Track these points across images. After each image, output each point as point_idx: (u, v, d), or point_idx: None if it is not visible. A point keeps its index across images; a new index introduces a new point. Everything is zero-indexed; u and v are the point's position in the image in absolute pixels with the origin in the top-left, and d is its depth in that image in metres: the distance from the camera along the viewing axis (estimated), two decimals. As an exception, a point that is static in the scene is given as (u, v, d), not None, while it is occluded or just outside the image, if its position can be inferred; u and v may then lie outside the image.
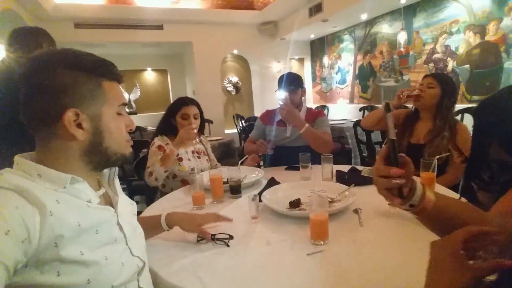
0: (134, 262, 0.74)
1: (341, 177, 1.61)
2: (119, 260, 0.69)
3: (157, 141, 1.84)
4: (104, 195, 0.76)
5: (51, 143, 0.66)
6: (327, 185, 1.46)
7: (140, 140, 3.87)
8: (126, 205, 0.81)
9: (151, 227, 1.02)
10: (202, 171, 1.92)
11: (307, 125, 1.86)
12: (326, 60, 6.76)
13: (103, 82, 0.68)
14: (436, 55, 4.28)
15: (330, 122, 4.66)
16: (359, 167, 1.79)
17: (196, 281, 0.83)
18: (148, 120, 6.74)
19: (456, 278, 0.43)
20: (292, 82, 2.07)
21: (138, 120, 6.60)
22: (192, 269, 0.88)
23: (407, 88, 1.88)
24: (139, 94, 7.03)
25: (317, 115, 2.12)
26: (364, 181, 1.52)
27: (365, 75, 5.66)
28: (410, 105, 1.94)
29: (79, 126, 0.65)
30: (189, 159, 1.90)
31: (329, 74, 6.74)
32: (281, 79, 2.11)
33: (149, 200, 2.11)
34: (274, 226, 1.14)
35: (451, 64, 4.08)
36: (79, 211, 0.63)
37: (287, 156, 2.06)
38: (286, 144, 2.10)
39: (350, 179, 1.55)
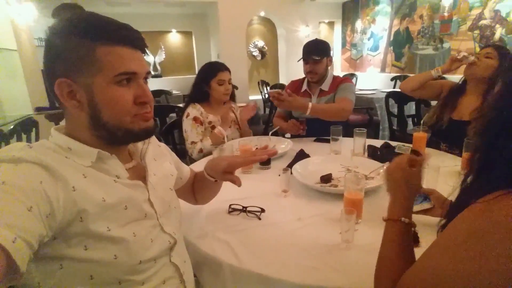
0: (165, 239, 0.73)
1: (373, 153, 1.56)
2: (148, 237, 0.68)
3: (191, 111, 1.84)
4: (137, 168, 0.75)
5: (67, 115, 0.65)
6: (359, 161, 1.42)
7: (167, 105, 3.92)
8: (162, 179, 0.80)
9: (202, 178, 0.98)
10: (232, 139, 1.93)
11: (310, 105, 1.76)
12: (358, 24, 6.37)
13: (97, 47, 0.59)
14: (483, 21, 3.91)
15: (358, 92, 4.51)
16: (393, 143, 1.71)
17: (230, 252, 0.85)
18: (173, 83, 6.75)
19: (404, 179, 0.70)
20: (317, 51, 1.94)
21: (163, 83, 6.64)
22: (225, 241, 0.90)
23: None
24: (164, 56, 6.99)
25: (340, 82, 2.01)
26: (398, 158, 1.46)
27: (400, 42, 5.31)
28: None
29: (73, 97, 0.61)
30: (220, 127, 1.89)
31: (361, 40, 6.38)
32: (305, 48, 1.98)
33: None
34: (305, 201, 1.13)
35: (499, 32, 3.73)
36: (105, 186, 0.62)
37: (313, 128, 2.01)
38: (309, 116, 2.04)
39: (383, 155, 1.50)
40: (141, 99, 0.64)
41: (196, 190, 1.05)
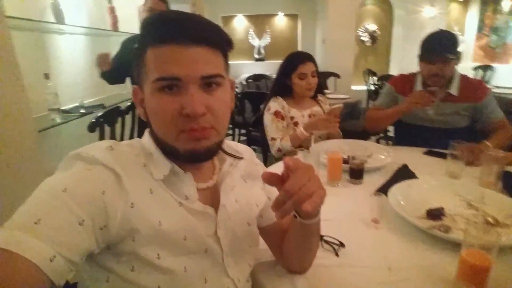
0: (223, 283, 0.61)
1: (510, 184, 1.14)
2: (202, 276, 0.58)
3: (273, 105, 1.72)
4: (215, 190, 0.64)
5: None
6: (488, 194, 1.05)
7: (259, 92, 3.92)
8: (243, 208, 0.67)
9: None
10: (319, 137, 1.74)
11: None
12: (506, 3, 5.08)
13: (147, 51, 0.53)
14: None
15: (495, 90, 3.61)
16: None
17: (292, 293, 0.70)
18: (275, 67, 6.69)
19: None
20: (451, 47, 1.52)
21: (265, 67, 6.71)
22: (291, 279, 0.75)
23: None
24: (269, 40, 7.01)
25: (477, 89, 1.56)
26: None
27: None
28: None
29: (142, 104, 0.58)
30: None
31: (506, 23, 5.09)
32: (430, 42, 1.57)
33: (265, 155, 2.09)
34: (401, 242, 0.87)
35: None
36: (167, 209, 0.55)
37: (424, 139, 1.64)
38: (425, 123, 1.66)
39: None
40: (185, 111, 0.51)
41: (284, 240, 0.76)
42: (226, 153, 0.68)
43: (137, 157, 0.57)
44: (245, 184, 0.70)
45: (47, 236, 0.42)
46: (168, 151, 0.56)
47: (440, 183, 1.15)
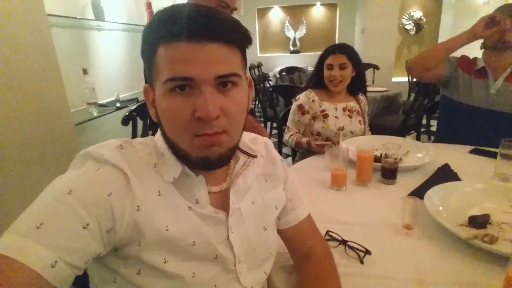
0: None
1: None
2: (211, 282, 0.55)
3: (302, 97, 1.70)
4: (227, 193, 0.60)
5: None
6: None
7: (291, 85, 3.82)
8: (260, 211, 0.63)
9: None
10: (351, 132, 1.65)
11: None
12: None
13: (158, 48, 0.48)
14: None
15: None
16: None
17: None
18: (310, 60, 6.59)
19: None
20: None
21: (300, 59, 6.56)
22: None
23: None
24: (305, 32, 6.84)
25: None
26: None
27: None
28: None
29: (154, 104, 0.53)
30: (336, 117, 1.64)
31: None
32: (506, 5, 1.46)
33: (294, 149, 2.03)
34: (436, 252, 0.78)
35: None
36: (175, 213, 0.52)
37: (477, 125, 1.50)
38: (483, 105, 1.51)
39: None
40: (199, 114, 0.47)
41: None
42: (240, 150, 0.64)
43: (149, 157, 0.54)
44: (265, 184, 0.66)
45: (49, 241, 0.41)
46: (180, 154, 0.53)
47: (487, 186, 1.02)
